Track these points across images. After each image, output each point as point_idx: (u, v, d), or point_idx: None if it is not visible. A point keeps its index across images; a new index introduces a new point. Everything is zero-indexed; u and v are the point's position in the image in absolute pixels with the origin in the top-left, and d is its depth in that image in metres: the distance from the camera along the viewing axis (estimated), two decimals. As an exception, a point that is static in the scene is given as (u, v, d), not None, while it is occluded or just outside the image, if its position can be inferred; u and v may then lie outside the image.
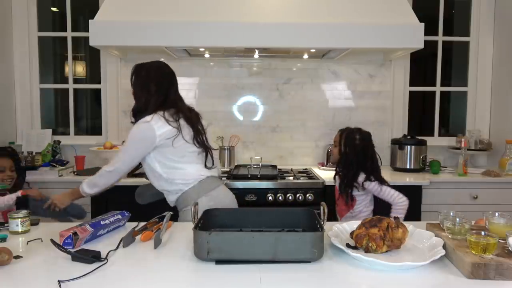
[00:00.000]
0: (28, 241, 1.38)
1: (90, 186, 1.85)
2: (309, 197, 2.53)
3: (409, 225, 1.37)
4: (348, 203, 2.14)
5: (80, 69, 3.47)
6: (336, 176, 2.24)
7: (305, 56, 3.09)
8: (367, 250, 1.25)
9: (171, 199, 1.90)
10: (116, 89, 3.14)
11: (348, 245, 1.28)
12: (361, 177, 2.09)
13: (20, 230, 1.45)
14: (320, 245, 1.21)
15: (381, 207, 2.15)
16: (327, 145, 3.11)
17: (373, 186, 2.08)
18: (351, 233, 1.33)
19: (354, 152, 2.13)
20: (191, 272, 1.15)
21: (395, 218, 1.33)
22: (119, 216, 1.54)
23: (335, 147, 2.23)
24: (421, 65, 3.50)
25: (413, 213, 2.59)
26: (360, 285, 1.09)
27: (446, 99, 3.51)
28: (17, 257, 1.23)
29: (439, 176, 2.81)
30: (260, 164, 2.94)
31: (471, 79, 3.31)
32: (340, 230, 1.43)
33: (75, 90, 3.28)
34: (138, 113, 1.81)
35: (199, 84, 3.17)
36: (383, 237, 1.24)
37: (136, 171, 2.66)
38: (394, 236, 1.26)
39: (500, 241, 1.17)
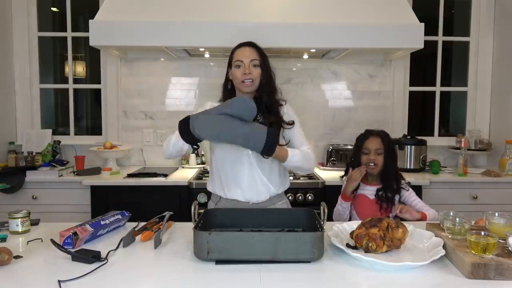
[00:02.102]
0: (28, 241, 1.38)
1: (296, 161, 1.60)
2: (309, 197, 2.53)
3: (409, 225, 1.37)
4: (385, 208, 1.94)
5: (80, 69, 3.47)
6: (365, 184, 2.01)
7: (305, 56, 3.09)
8: (367, 250, 1.25)
9: (273, 190, 1.70)
10: (116, 89, 3.14)
11: (348, 245, 1.28)
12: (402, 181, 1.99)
13: (20, 230, 1.45)
14: (320, 245, 1.20)
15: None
16: (327, 145, 3.11)
17: (410, 191, 1.99)
18: (351, 233, 1.34)
19: (395, 158, 2.03)
20: (191, 272, 1.15)
21: (395, 217, 1.33)
22: (119, 216, 1.54)
23: (378, 155, 1.97)
24: (421, 65, 3.50)
25: (413, 213, 2.60)
26: (360, 285, 1.09)
27: (446, 99, 3.51)
28: (17, 257, 1.23)
29: (439, 176, 2.81)
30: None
31: (471, 79, 3.31)
32: (340, 230, 1.43)
33: (75, 90, 3.28)
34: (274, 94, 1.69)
35: (199, 84, 3.17)
36: (383, 237, 1.24)
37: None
38: (394, 236, 1.26)
39: (500, 241, 1.17)
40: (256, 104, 1.56)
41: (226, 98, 1.73)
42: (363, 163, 1.97)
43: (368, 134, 2.03)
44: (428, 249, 1.28)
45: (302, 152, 1.64)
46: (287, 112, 1.71)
